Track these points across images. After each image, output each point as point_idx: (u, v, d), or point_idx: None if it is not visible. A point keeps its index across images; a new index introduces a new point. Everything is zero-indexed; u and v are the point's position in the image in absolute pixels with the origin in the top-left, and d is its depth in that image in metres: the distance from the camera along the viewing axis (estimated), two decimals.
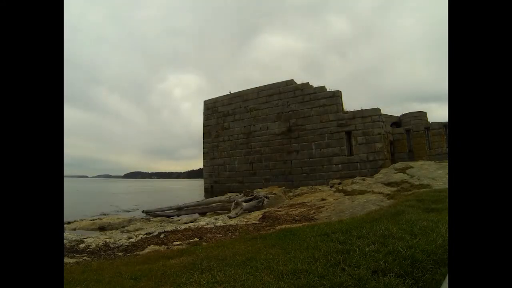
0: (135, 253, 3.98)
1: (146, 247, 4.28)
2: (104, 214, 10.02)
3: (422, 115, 21.19)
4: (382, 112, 13.78)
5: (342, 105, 14.20)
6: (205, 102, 18.88)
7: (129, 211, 12.01)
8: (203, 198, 15.05)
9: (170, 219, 9.24)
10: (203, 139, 18.47)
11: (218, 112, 18.01)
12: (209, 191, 17.21)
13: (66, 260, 3.57)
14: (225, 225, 5.53)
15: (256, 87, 16.79)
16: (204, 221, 7.09)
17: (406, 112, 22.28)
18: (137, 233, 5.80)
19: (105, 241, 4.81)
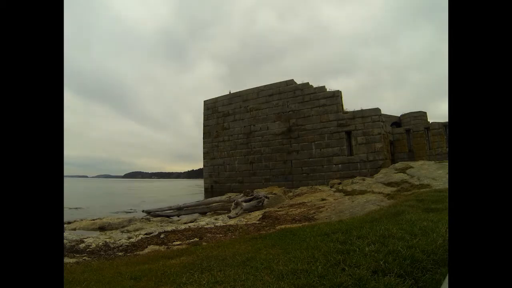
0: (135, 253, 3.98)
1: (146, 247, 4.28)
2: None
3: (422, 115, 21.19)
4: (382, 112, 13.78)
5: (342, 105, 14.20)
6: (205, 102, 18.87)
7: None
8: (203, 198, 15.06)
9: (170, 219, 9.24)
10: (203, 139, 18.47)
11: (218, 112, 18.01)
12: (209, 191, 17.21)
13: (66, 260, 3.57)
14: (225, 225, 5.53)
15: (256, 87, 16.79)
16: (204, 221, 7.09)
17: (406, 112, 22.29)
18: (137, 233, 5.80)
19: (105, 241, 4.81)
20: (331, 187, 9.72)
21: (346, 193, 7.81)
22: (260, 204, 7.85)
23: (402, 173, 8.60)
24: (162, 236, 4.94)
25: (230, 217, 7.27)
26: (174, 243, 4.37)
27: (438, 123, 15.32)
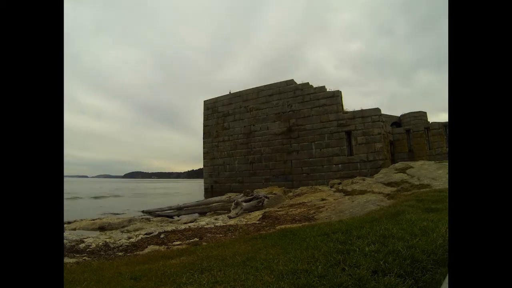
0: (135, 253, 3.98)
1: (146, 247, 4.28)
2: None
3: (422, 115, 21.17)
4: (382, 112, 13.78)
5: (342, 105, 14.20)
6: (205, 102, 18.87)
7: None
8: (203, 198, 15.06)
9: (170, 219, 9.24)
10: (203, 139, 18.46)
11: (218, 112, 18.01)
12: (209, 191, 17.21)
13: (66, 260, 3.57)
14: (225, 225, 5.53)
15: (256, 87, 16.79)
16: (204, 221, 7.09)
17: (406, 112, 22.28)
18: (137, 233, 5.80)
19: (105, 241, 4.80)
20: (331, 187, 9.72)
21: (346, 193, 7.81)
22: (260, 204, 7.85)
23: (402, 173, 8.60)
24: (162, 236, 4.94)
25: (230, 217, 7.27)
26: (174, 243, 4.37)
27: (438, 123, 15.32)
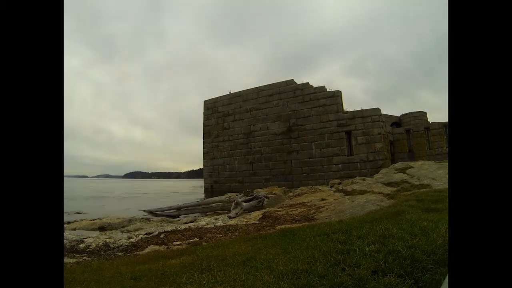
0: (135, 253, 3.98)
1: (146, 247, 4.28)
2: None
3: (422, 115, 21.20)
4: (382, 112, 13.78)
5: (342, 105, 14.21)
6: (205, 102, 18.87)
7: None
8: (203, 198, 15.06)
9: (170, 219, 9.24)
10: (203, 139, 18.47)
11: (218, 112, 18.02)
12: (209, 191, 17.22)
13: (66, 260, 3.57)
14: (225, 225, 5.53)
15: (256, 87, 16.80)
16: (204, 221, 7.09)
17: (406, 112, 22.29)
18: (137, 233, 5.80)
19: (105, 241, 4.80)
20: (331, 187, 9.72)
21: (346, 193, 7.81)
22: (260, 204, 7.85)
23: (402, 173, 8.60)
24: (162, 236, 4.93)
25: (230, 217, 7.26)
26: (174, 243, 4.37)
27: (438, 123, 15.33)
